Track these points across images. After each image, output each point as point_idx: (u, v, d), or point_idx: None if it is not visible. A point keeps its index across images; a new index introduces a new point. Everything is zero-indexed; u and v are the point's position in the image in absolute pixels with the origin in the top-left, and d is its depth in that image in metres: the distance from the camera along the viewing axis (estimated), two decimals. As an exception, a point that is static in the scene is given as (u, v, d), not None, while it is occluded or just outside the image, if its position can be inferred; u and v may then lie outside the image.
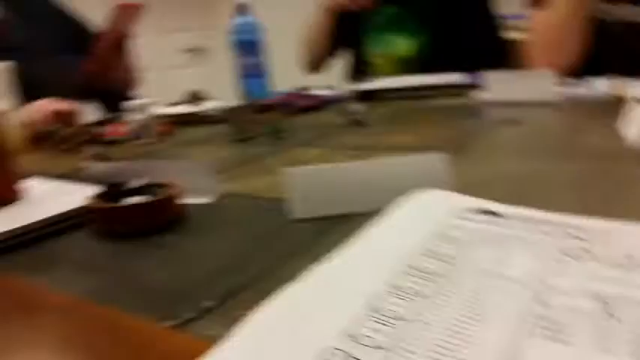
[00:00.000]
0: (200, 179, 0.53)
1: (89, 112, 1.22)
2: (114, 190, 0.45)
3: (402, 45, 1.53)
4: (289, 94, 1.21)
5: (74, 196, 0.50)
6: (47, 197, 0.51)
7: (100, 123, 1.19)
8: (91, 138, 0.85)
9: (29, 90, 1.14)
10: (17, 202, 0.50)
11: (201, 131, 0.97)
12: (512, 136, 0.70)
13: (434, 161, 0.45)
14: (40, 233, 0.43)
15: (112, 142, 0.89)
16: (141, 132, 0.87)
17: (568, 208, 0.36)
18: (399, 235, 0.36)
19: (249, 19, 1.36)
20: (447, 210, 0.39)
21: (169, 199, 0.44)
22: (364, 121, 0.90)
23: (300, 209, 0.44)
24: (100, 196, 0.44)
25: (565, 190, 0.47)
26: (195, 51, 3.31)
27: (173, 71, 3.27)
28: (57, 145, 0.85)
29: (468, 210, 0.39)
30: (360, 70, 1.60)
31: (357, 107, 1.07)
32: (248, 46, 1.37)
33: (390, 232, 0.36)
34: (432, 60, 1.48)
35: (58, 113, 0.93)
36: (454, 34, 1.48)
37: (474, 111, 0.93)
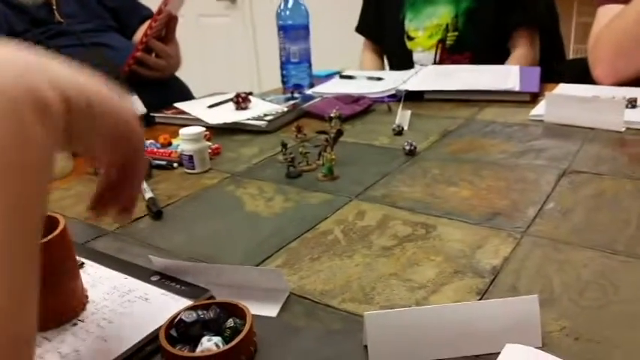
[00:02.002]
0: (268, 287, 0.52)
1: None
2: (184, 325, 0.44)
3: (443, 13, 1.49)
4: (336, 98, 1.17)
5: (144, 307, 0.49)
6: (114, 308, 0.50)
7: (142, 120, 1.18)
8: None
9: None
10: (80, 316, 0.48)
11: (248, 150, 0.95)
12: (590, 201, 0.67)
13: (525, 305, 0.44)
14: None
15: (161, 167, 0.88)
16: (193, 161, 0.85)
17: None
18: None
19: (297, 3, 1.30)
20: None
21: (247, 342, 0.43)
22: (415, 150, 0.87)
23: (379, 357, 0.42)
24: (171, 334, 0.44)
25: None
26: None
27: (205, 19, 3.18)
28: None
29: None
30: (402, 49, 1.57)
31: (404, 118, 1.03)
32: (294, 31, 1.32)
33: None
34: (475, 24, 1.46)
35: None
36: None
37: (534, 145, 0.89)
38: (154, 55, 1.26)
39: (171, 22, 1.27)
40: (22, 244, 0.28)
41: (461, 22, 1.48)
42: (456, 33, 1.49)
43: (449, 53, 1.50)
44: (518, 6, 1.46)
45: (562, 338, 0.44)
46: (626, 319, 0.46)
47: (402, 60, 1.58)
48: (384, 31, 1.66)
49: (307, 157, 0.85)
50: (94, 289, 0.52)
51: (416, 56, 1.56)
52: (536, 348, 0.42)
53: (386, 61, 1.74)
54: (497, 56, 1.47)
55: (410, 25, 1.56)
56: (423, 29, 1.53)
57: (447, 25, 1.50)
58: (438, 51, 1.52)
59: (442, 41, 1.50)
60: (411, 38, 1.56)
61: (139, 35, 1.33)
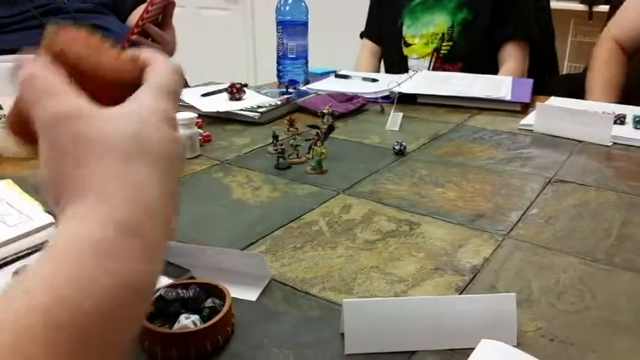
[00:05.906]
0: (249, 271, 0.52)
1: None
2: (163, 302, 0.44)
3: (440, 22, 1.51)
4: (330, 95, 1.17)
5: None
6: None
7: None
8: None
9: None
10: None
11: (239, 140, 0.95)
12: (570, 212, 0.68)
13: (503, 302, 0.44)
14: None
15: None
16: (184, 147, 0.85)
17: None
18: None
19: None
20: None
21: (224, 322, 0.43)
22: (404, 150, 0.88)
23: (355, 345, 0.43)
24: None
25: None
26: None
27: (205, 11, 3.17)
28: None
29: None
30: (398, 54, 1.58)
31: (396, 119, 1.04)
32: (292, 27, 1.32)
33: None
34: (469, 35, 1.49)
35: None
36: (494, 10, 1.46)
37: (522, 154, 0.90)
38: (150, 39, 1.26)
39: (168, 7, 1.27)
40: None
41: (456, 32, 1.50)
42: (451, 43, 1.51)
43: (442, 62, 1.52)
44: (510, 20, 1.48)
45: (537, 338, 0.45)
46: (601, 325, 0.47)
47: (397, 65, 1.59)
48: (383, 35, 1.67)
49: (298, 149, 0.85)
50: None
51: (411, 62, 1.57)
52: (512, 346, 0.42)
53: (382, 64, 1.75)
54: (488, 68, 1.48)
55: (407, 32, 1.57)
56: (420, 37, 1.55)
57: (443, 35, 1.51)
58: (433, 59, 1.53)
59: (437, 50, 1.52)
60: (407, 44, 1.58)
61: (133, 19, 1.32)
